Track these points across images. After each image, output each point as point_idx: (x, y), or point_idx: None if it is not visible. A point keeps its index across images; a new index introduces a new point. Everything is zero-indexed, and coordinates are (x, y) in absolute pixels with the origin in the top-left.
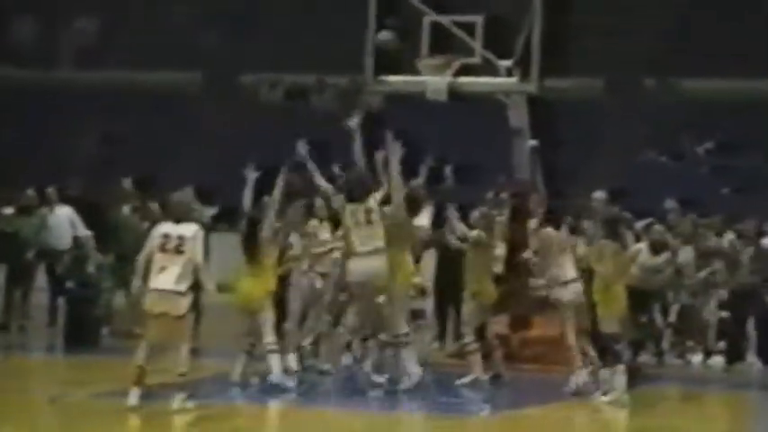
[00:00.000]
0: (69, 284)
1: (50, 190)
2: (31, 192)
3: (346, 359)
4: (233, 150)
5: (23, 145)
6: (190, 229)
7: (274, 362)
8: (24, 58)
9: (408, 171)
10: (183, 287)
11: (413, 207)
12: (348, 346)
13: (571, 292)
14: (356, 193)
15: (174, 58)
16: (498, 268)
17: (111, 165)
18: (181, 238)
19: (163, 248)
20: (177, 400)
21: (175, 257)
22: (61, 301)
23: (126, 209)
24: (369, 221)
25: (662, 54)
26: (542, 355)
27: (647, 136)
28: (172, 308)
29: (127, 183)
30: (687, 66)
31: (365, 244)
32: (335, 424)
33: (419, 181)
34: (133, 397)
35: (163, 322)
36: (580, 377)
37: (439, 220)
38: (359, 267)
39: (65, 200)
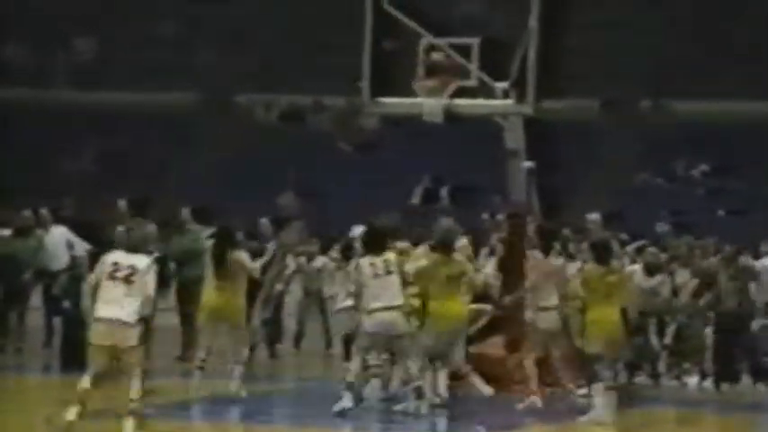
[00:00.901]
0: (65, 304)
1: (44, 211)
2: (27, 213)
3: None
4: (230, 171)
5: (19, 165)
6: (142, 261)
7: None
8: (20, 77)
9: (405, 192)
10: (133, 318)
11: None
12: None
13: (546, 320)
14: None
15: (170, 79)
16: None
17: (107, 185)
18: (132, 267)
19: (112, 276)
20: (128, 427)
21: (124, 287)
22: (57, 321)
23: (120, 229)
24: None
25: (657, 76)
26: (538, 376)
27: (642, 157)
28: (121, 339)
29: (122, 204)
30: (682, 88)
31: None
32: None
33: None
34: (70, 413)
35: (112, 352)
36: (532, 401)
37: None
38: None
39: (59, 220)
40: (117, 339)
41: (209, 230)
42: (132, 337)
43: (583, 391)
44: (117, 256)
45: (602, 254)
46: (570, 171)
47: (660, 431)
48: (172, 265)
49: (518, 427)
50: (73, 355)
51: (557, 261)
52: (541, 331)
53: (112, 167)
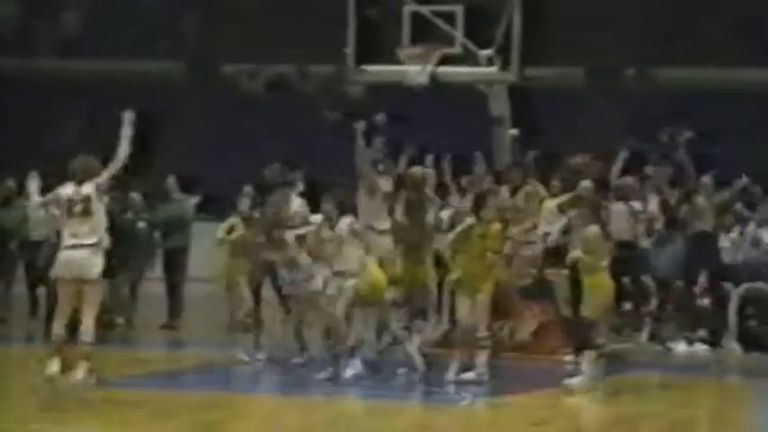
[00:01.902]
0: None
1: (11, 184)
2: (10, 183)
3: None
4: (215, 139)
5: (3, 135)
6: (90, 187)
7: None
8: (4, 45)
9: (389, 161)
10: (93, 240)
11: None
12: None
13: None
14: None
15: (156, 47)
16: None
17: (92, 154)
18: (86, 199)
19: (70, 213)
20: (81, 371)
21: (82, 221)
22: (41, 291)
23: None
24: None
25: (642, 44)
26: (527, 343)
27: (627, 125)
28: (85, 272)
29: None
30: (667, 55)
31: None
32: (314, 412)
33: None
34: (52, 366)
35: (77, 286)
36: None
37: None
38: None
39: (44, 190)
40: (81, 272)
41: (195, 199)
42: (94, 267)
43: (570, 357)
44: (68, 190)
45: (599, 217)
46: (555, 139)
47: (645, 396)
48: (157, 235)
49: (504, 393)
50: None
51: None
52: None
53: (97, 136)
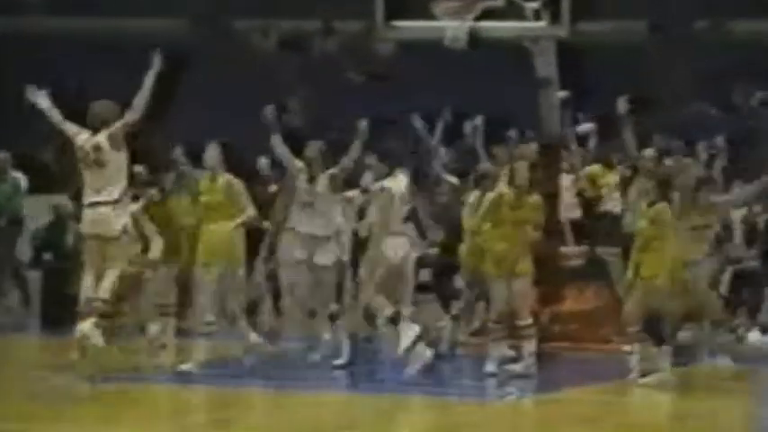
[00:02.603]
0: (46, 257)
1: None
2: (2, 154)
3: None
4: (225, 106)
5: None
6: (103, 136)
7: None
8: None
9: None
10: (112, 196)
11: None
12: None
13: None
14: None
15: (158, 3)
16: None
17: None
18: (97, 147)
19: (85, 163)
20: (89, 324)
21: (98, 171)
22: (36, 274)
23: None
24: None
25: None
26: (575, 331)
27: (695, 87)
28: (104, 229)
29: None
30: (744, 6)
31: None
32: (334, 408)
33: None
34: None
35: (100, 246)
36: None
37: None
38: None
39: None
40: (101, 229)
41: (204, 172)
42: (114, 224)
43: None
44: (82, 138)
45: (666, 191)
46: (611, 103)
47: (714, 390)
48: None
49: (565, 387)
50: (54, 311)
51: None
52: None
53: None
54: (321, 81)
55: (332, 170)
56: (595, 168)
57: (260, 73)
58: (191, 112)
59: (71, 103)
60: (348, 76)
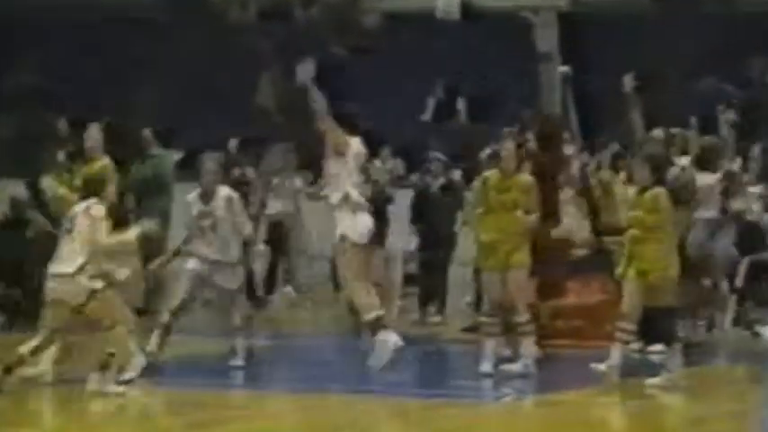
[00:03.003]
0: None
1: None
2: None
3: None
4: (198, 85)
5: None
6: (80, 205)
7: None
8: None
9: (414, 106)
10: (72, 268)
11: None
12: None
13: None
14: None
15: None
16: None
17: (51, 100)
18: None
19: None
20: (92, 382)
21: (68, 238)
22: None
23: (61, 155)
24: None
25: None
26: (578, 328)
27: (705, 60)
28: (70, 296)
29: (62, 124)
30: None
31: None
32: (325, 410)
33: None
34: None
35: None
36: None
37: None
38: None
39: None
40: (65, 294)
41: (176, 155)
42: (80, 292)
43: (637, 346)
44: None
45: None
46: (615, 77)
47: (728, 392)
48: (131, 199)
49: (568, 388)
50: (13, 311)
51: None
52: None
53: (57, 79)
54: (302, 55)
55: None
56: (606, 175)
57: (237, 48)
58: (166, 89)
59: (28, 78)
60: (331, 50)
